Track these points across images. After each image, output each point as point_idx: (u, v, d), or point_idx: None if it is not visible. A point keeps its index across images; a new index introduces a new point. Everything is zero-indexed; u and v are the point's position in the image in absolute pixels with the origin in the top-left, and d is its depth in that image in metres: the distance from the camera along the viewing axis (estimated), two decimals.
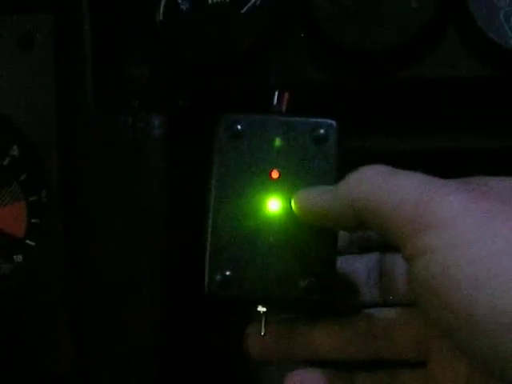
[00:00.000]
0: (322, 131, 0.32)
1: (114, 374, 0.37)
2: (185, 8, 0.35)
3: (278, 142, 0.33)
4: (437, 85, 0.35)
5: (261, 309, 0.33)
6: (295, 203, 0.31)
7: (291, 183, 0.32)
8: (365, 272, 0.35)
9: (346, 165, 0.32)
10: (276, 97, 0.34)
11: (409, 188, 0.26)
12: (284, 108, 0.34)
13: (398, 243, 0.27)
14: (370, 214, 0.28)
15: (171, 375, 0.38)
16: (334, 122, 0.32)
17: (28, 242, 0.38)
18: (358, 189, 0.28)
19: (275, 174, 0.32)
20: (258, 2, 0.35)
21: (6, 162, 0.38)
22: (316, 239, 0.32)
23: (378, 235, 0.32)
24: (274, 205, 0.32)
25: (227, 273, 0.32)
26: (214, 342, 0.42)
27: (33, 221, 0.38)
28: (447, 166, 0.29)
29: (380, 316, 0.34)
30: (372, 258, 0.36)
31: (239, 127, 0.33)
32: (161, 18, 0.35)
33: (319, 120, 0.33)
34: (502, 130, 0.37)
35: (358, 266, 0.36)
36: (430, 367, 0.33)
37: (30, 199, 0.38)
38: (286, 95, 0.33)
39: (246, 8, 0.35)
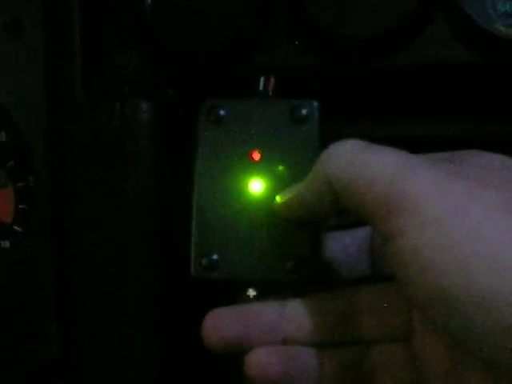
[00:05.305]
0: (303, 111, 0.32)
1: (103, 362, 0.37)
2: None
3: (259, 123, 0.32)
4: (423, 71, 0.35)
5: (251, 293, 0.33)
6: (277, 204, 0.31)
7: (273, 164, 0.32)
8: (355, 247, 0.35)
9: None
10: (262, 82, 0.33)
11: (382, 165, 0.26)
12: (270, 93, 0.34)
13: (372, 224, 0.26)
14: (343, 190, 0.27)
15: (162, 365, 0.38)
16: (314, 102, 0.32)
17: (15, 227, 0.38)
18: (331, 163, 0.27)
19: (256, 156, 0.32)
20: None
21: None
22: None
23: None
24: (256, 186, 0.32)
25: (213, 256, 0.32)
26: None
27: (20, 207, 0.38)
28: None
29: (363, 294, 0.32)
30: (362, 232, 0.35)
31: (221, 112, 0.33)
32: (149, 4, 0.35)
33: (300, 100, 0.32)
34: (489, 116, 0.36)
35: (347, 242, 0.35)
36: (412, 343, 0.31)
37: (18, 185, 0.38)
38: (272, 81, 0.33)
39: None
